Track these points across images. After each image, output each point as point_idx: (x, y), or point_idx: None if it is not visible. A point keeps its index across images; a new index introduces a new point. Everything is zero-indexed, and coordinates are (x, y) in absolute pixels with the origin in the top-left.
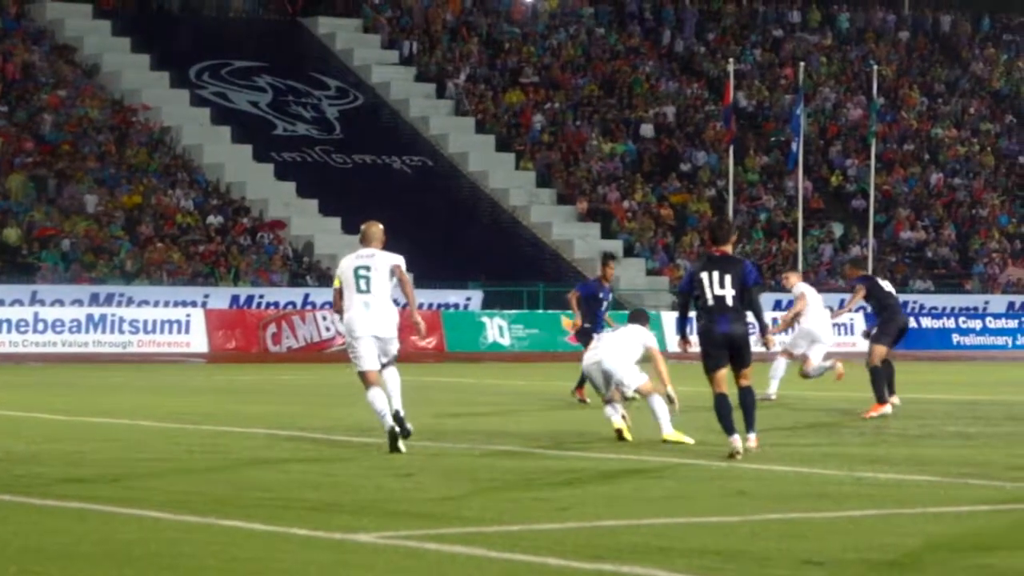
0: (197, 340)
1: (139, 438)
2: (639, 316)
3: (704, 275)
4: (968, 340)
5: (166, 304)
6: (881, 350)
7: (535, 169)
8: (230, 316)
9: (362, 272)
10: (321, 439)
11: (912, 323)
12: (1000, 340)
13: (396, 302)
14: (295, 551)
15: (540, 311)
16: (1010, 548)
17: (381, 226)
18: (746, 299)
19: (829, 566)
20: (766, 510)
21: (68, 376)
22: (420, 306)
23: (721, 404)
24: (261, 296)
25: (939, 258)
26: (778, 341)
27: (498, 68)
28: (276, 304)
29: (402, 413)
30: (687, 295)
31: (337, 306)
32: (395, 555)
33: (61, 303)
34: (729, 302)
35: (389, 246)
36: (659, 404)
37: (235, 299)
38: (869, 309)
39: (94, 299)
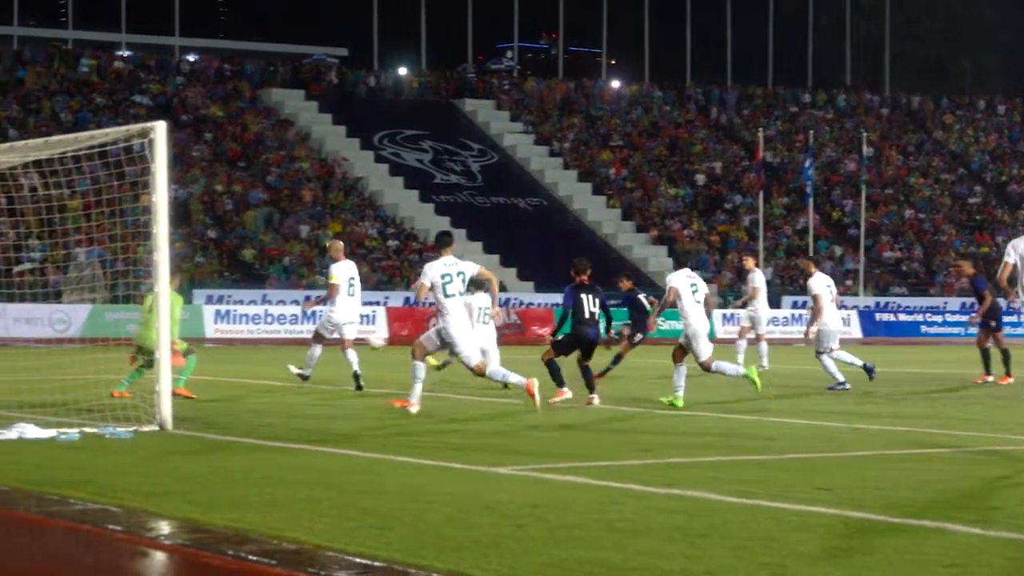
0: (380, 329)
1: (343, 399)
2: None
3: (583, 297)
4: (932, 330)
5: None
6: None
7: (620, 207)
8: (404, 312)
9: (353, 280)
10: (468, 400)
11: (891, 317)
12: (955, 330)
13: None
14: (453, 479)
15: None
16: (958, 479)
17: (341, 243)
18: (606, 311)
19: (835, 492)
20: (789, 451)
21: (288, 355)
22: (540, 305)
23: (556, 366)
24: (426, 297)
25: (911, 271)
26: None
27: (593, 134)
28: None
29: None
30: (571, 308)
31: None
32: (525, 482)
33: (283, 302)
34: (596, 317)
35: (519, 262)
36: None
37: (407, 299)
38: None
39: (307, 299)
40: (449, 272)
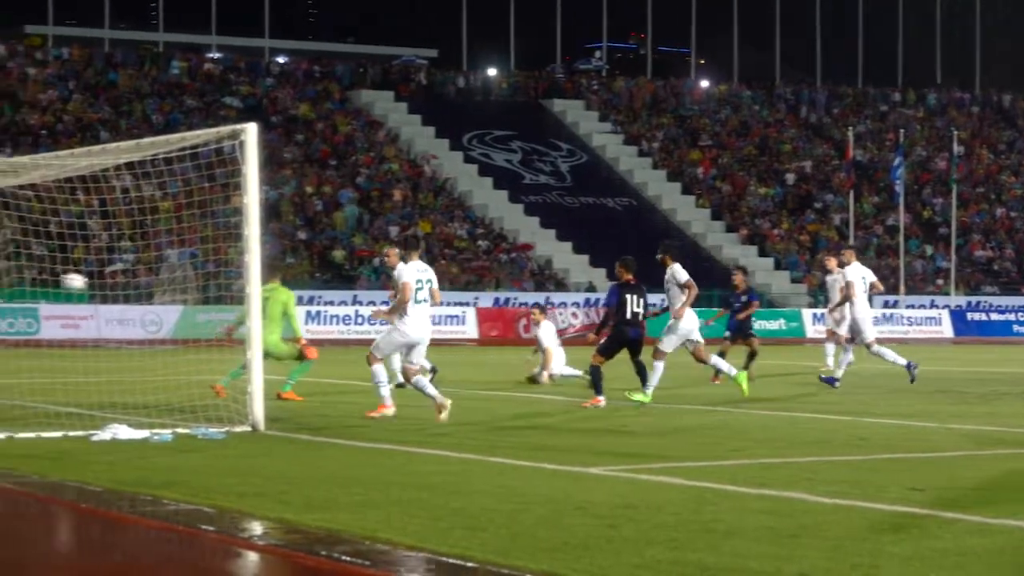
0: (470, 329)
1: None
2: None
3: (628, 297)
4: None
5: (448, 304)
6: None
7: (710, 207)
8: (494, 312)
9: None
10: (559, 400)
11: (983, 317)
12: None
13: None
14: (545, 480)
15: (714, 309)
16: None
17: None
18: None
19: (928, 492)
20: (881, 452)
21: None
22: None
23: (599, 372)
24: (515, 298)
25: (1003, 270)
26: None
27: (682, 134)
28: (526, 303)
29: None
30: (614, 308)
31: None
32: (617, 483)
33: (374, 303)
34: (640, 317)
35: (609, 263)
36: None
37: (497, 300)
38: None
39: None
40: (421, 279)
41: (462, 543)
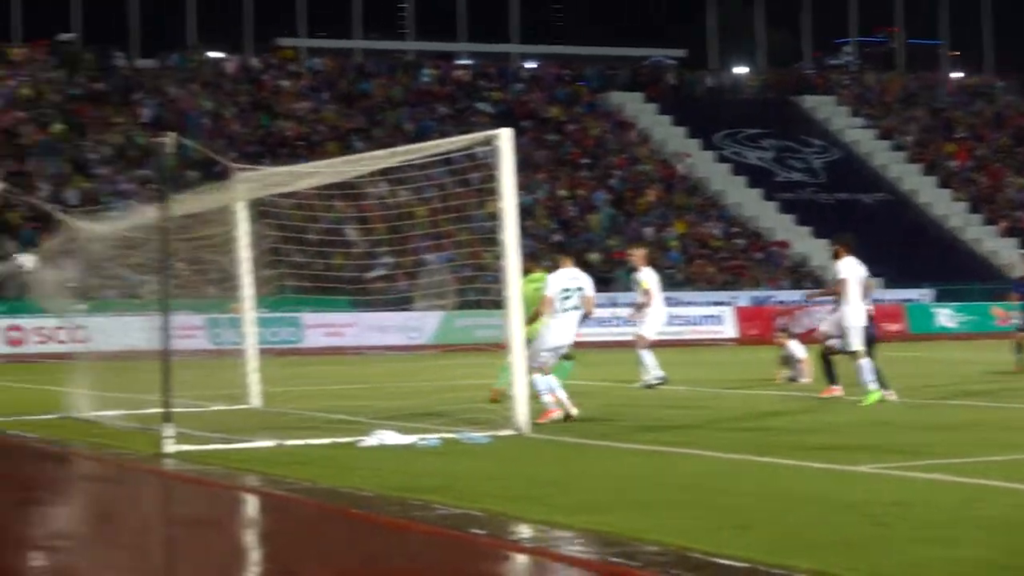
0: (728, 329)
1: (698, 399)
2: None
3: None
4: None
5: (705, 304)
6: None
7: (967, 200)
8: (752, 311)
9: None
10: (818, 399)
11: None
12: None
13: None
14: (811, 478)
15: (976, 303)
16: None
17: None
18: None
19: None
20: None
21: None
22: (883, 301)
23: (830, 363)
24: (773, 296)
25: None
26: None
27: (937, 126)
28: (783, 301)
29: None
30: None
31: None
32: (886, 480)
33: (626, 306)
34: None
35: (867, 259)
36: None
37: (755, 298)
38: None
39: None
40: (569, 287)
41: (731, 543)
